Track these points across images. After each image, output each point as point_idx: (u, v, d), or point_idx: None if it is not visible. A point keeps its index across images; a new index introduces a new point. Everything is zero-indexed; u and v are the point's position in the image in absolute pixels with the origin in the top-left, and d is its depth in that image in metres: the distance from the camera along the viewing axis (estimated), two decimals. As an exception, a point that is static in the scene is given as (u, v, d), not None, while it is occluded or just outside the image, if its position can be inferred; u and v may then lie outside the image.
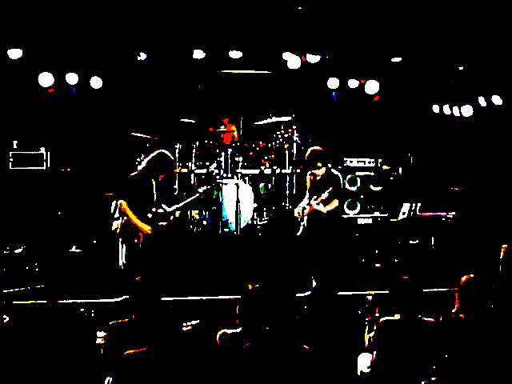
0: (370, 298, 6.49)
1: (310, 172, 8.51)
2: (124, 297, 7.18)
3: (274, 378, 4.33)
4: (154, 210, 7.66)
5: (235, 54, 10.51)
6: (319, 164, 8.37)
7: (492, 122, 11.36)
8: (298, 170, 10.72)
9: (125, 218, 7.48)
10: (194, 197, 8.82)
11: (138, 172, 7.76)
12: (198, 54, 10.48)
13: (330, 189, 8.15)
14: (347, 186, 11.00)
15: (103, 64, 10.54)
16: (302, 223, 8.40)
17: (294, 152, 10.80)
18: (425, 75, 11.19)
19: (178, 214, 8.21)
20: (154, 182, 7.66)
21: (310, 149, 8.56)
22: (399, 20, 9.64)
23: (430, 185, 11.26)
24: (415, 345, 4.96)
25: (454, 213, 10.58)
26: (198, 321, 4.72)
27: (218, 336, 4.93)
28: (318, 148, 8.52)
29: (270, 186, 10.83)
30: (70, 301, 7.48)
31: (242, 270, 8.90)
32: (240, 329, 4.89)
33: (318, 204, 8.25)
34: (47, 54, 10.10)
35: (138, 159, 10.22)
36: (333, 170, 8.50)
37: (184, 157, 10.60)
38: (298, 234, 8.45)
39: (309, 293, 8.07)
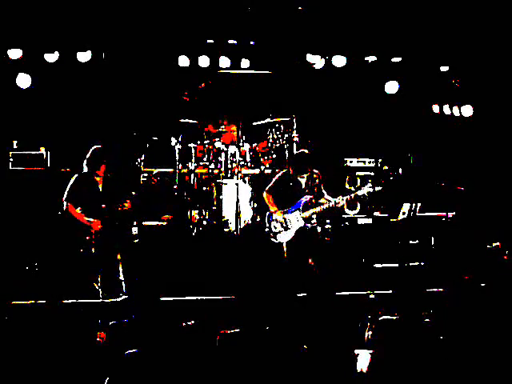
0: (370, 297, 6.49)
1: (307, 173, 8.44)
2: (124, 297, 7.18)
3: (274, 378, 4.33)
4: (103, 205, 7.83)
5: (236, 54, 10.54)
6: (309, 169, 8.33)
7: (492, 122, 11.36)
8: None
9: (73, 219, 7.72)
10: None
11: (80, 173, 8.03)
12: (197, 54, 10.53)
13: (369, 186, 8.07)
14: (347, 185, 10.98)
15: (104, 63, 10.53)
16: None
17: (294, 152, 10.78)
18: (425, 75, 11.20)
19: (126, 205, 8.10)
20: (97, 179, 7.94)
21: (299, 151, 8.52)
22: (399, 20, 9.66)
23: (429, 185, 11.24)
24: (414, 344, 4.96)
25: (453, 213, 10.57)
26: (198, 321, 4.71)
27: (217, 336, 4.92)
28: (306, 151, 8.47)
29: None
30: (70, 301, 7.48)
31: (242, 269, 8.89)
32: (240, 329, 4.89)
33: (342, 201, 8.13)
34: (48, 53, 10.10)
35: (139, 159, 10.26)
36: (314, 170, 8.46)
37: (184, 157, 10.60)
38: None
39: (307, 293, 8.05)
